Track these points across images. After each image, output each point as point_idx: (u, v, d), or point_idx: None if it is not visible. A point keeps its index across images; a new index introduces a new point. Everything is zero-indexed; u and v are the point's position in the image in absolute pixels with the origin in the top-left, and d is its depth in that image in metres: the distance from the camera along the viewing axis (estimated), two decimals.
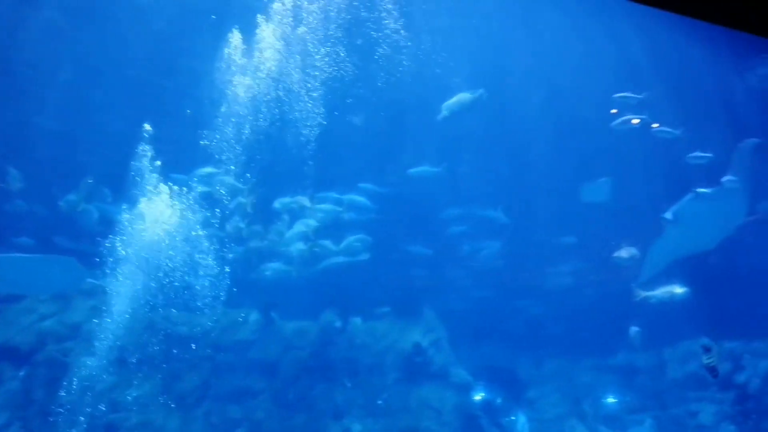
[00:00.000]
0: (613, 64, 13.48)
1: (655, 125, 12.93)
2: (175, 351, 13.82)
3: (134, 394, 13.88)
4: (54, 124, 12.66)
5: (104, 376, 13.28)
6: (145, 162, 12.15)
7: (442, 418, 14.74)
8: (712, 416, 15.63)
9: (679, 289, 13.13)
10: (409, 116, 13.68)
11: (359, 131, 13.73)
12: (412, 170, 14.18)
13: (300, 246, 14.05)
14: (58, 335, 13.49)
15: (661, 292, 13.32)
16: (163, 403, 13.57)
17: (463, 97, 12.87)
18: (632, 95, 12.99)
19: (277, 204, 14.04)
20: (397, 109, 13.41)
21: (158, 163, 12.12)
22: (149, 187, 12.75)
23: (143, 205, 13.06)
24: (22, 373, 13.33)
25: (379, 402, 14.55)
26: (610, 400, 15.69)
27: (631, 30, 12.85)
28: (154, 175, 12.47)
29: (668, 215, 12.64)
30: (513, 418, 15.46)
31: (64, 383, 13.26)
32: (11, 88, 12.25)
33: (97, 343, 13.43)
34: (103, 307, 13.73)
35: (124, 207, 12.68)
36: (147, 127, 11.95)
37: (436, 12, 12.31)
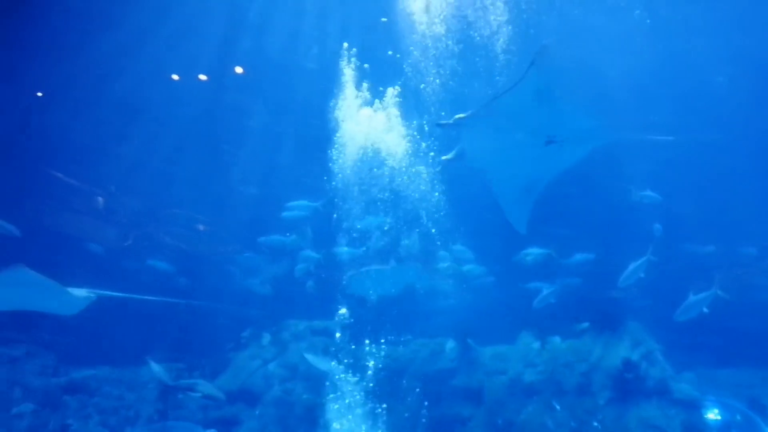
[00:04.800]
0: None
1: None
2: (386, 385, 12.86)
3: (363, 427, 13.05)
4: (254, 189, 12.99)
5: (331, 413, 12.70)
6: None
7: None
8: None
9: None
10: None
11: None
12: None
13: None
14: (281, 377, 13.35)
15: None
16: None
17: None
18: None
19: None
20: None
21: None
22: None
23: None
24: (257, 413, 13.29)
25: (595, 424, 12.09)
26: None
27: None
28: None
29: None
30: None
31: (293, 421, 13.06)
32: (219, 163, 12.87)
33: (315, 382, 13.13)
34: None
35: None
36: None
37: None
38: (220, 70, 11.84)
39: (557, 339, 13.02)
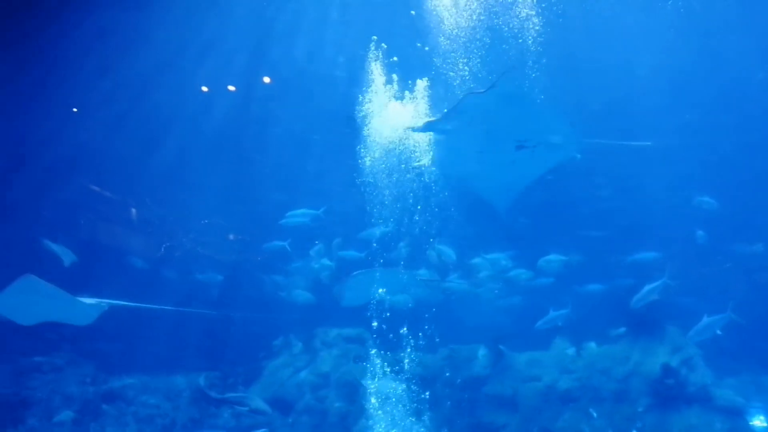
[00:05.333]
0: None
1: None
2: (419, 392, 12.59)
3: None
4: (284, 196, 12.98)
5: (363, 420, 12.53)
6: None
7: None
8: None
9: None
10: None
11: None
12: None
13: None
14: (314, 384, 13.19)
15: None
16: None
17: None
18: None
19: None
20: None
21: None
22: None
23: None
24: (290, 420, 13.15)
25: None
26: None
27: None
28: None
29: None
30: None
31: (326, 429, 12.89)
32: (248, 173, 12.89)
33: (347, 389, 12.97)
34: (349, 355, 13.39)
35: None
36: None
37: None
38: (248, 80, 11.86)
39: (593, 344, 12.57)
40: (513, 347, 12.84)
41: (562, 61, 9.20)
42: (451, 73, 9.24)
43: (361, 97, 10.38)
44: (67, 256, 11.03)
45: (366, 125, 10.34)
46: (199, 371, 13.67)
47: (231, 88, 11.97)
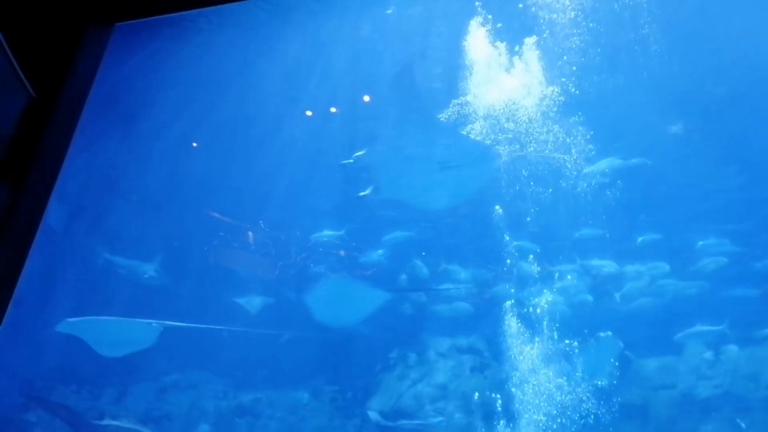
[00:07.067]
0: None
1: None
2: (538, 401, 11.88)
3: None
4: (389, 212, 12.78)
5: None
6: None
7: None
8: None
9: None
10: None
11: None
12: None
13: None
14: (432, 396, 12.80)
15: None
16: None
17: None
18: None
19: None
20: None
21: None
22: None
23: None
24: None
25: None
26: None
27: None
28: None
29: None
30: None
31: None
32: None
33: (465, 400, 12.48)
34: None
35: None
36: None
37: None
38: (350, 101, 11.87)
39: (734, 347, 11.14)
40: (640, 352, 11.71)
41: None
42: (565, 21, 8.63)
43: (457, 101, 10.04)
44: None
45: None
46: (319, 385, 13.78)
47: (333, 110, 12.05)
